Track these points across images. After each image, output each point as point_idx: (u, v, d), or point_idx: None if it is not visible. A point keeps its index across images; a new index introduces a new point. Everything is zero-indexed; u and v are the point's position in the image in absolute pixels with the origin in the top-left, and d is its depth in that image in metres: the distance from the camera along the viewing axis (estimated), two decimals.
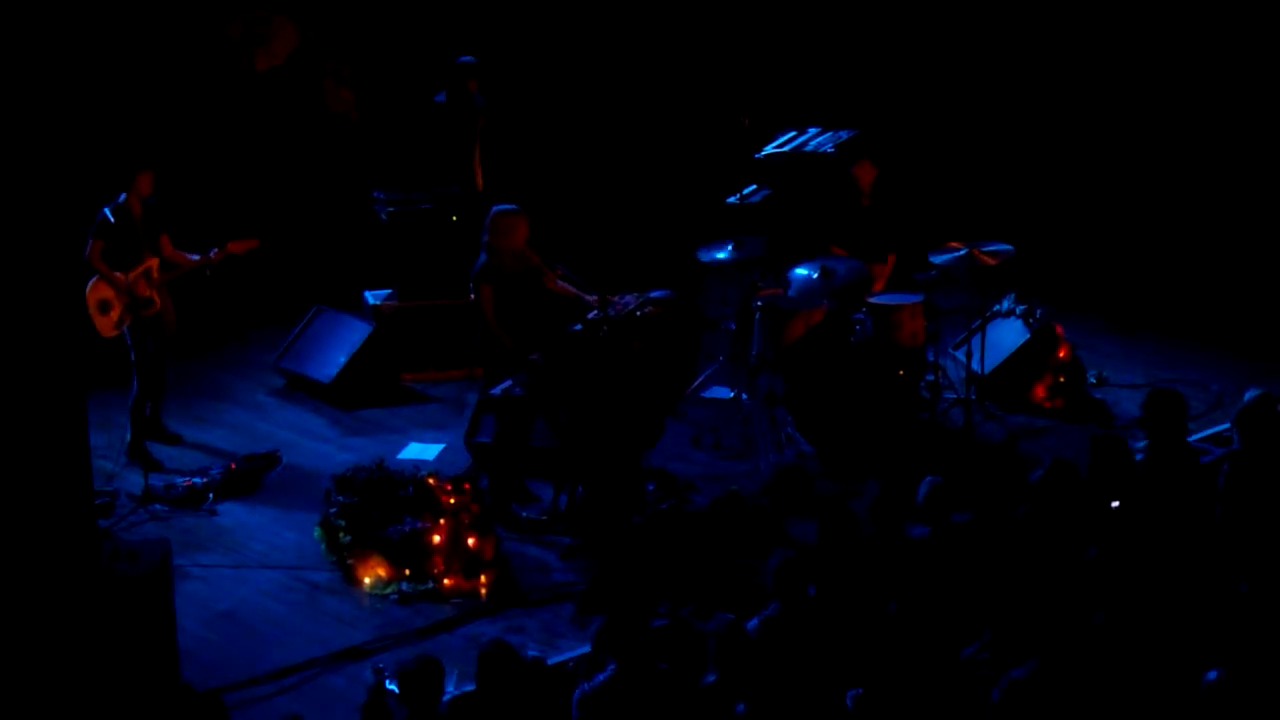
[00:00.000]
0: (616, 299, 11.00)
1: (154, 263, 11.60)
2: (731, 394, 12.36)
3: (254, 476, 11.62)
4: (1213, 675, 7.33)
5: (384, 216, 13.39)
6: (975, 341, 12.36)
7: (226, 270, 12.00)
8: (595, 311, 10.90)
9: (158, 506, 11.22)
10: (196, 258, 11.74)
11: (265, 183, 15.78)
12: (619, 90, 16.01)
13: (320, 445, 12.21)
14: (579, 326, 10.78)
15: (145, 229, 11.59)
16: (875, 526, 9.10)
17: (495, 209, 11.20)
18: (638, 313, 10.71)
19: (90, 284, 11.51)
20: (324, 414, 12.71)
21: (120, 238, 11.52)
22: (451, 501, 10.36)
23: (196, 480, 11.44)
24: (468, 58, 13.62)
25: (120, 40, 14.70)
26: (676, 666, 8.27)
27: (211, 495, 11.37)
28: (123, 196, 11.55)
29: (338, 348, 13.06)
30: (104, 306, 11.52)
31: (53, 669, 8.10)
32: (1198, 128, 15.23)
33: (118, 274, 11.50)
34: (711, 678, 8.24)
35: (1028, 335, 12.63)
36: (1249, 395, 10.23)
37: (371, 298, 13.62)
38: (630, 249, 14.55)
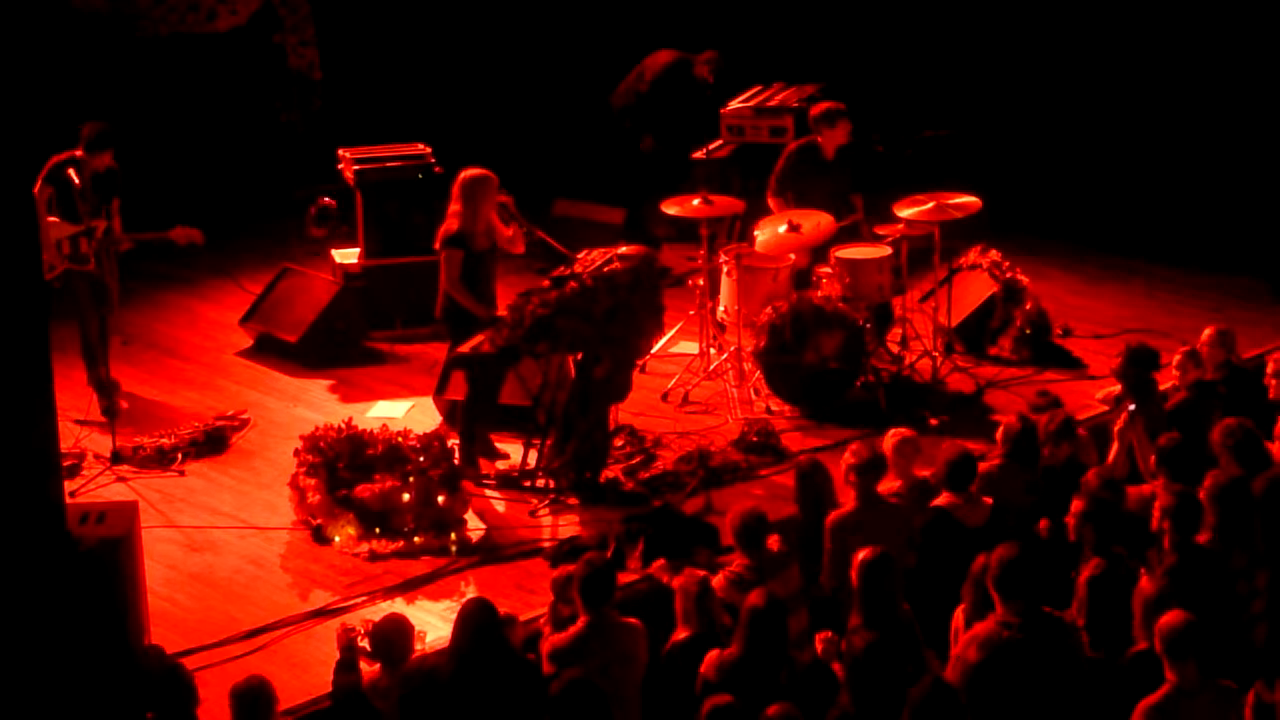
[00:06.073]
0: (584, 255, 10.98)
1: (100, 225, 11.47)
2: (699, 349, 12.36)
3: (222, 437, 11.61)
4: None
5: (349, 175, 13.35)
6: (942, 294, 12.39)
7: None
8: (564, 267, 10.87)
9: (126, 468, 11.20)
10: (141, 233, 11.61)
11: (229, 143, 15.71)
12: (583, 40, 15.96)
13: (288, 405, 12.19)
14: (547, 283, 10.75)
15: (94, 189, 11.47)
16: (852, 483, 9.13)
17: (463, 173, 11.13)
18: (605, 269, 10.69)
19: None
20: (292, 373, 12.69)
21: (66, 191, 11.42)
22: (420, 459, 10.36)
23: (164, 442, 11.42)
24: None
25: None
26: (645, 621, 8.30)
27: (180, 456, 11.35)
28: (80, 154, 11.47)
29: (305, 307, 13.03)
30: None
31: (17, 634, 8.07)
32: (1171, 73, 15.19)
33: (52, 219, 11.38)
34: (680, 632, 8.28)
35: (994, 287, 12.67)
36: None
37: (338, 257, 13.60)
38: (593, 202, 14.56)
